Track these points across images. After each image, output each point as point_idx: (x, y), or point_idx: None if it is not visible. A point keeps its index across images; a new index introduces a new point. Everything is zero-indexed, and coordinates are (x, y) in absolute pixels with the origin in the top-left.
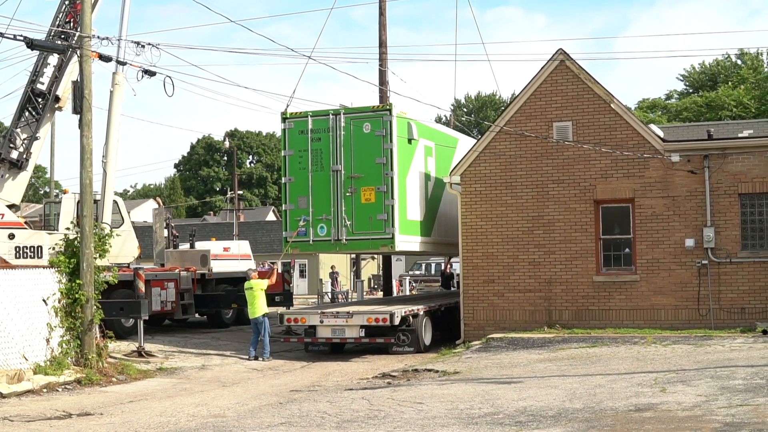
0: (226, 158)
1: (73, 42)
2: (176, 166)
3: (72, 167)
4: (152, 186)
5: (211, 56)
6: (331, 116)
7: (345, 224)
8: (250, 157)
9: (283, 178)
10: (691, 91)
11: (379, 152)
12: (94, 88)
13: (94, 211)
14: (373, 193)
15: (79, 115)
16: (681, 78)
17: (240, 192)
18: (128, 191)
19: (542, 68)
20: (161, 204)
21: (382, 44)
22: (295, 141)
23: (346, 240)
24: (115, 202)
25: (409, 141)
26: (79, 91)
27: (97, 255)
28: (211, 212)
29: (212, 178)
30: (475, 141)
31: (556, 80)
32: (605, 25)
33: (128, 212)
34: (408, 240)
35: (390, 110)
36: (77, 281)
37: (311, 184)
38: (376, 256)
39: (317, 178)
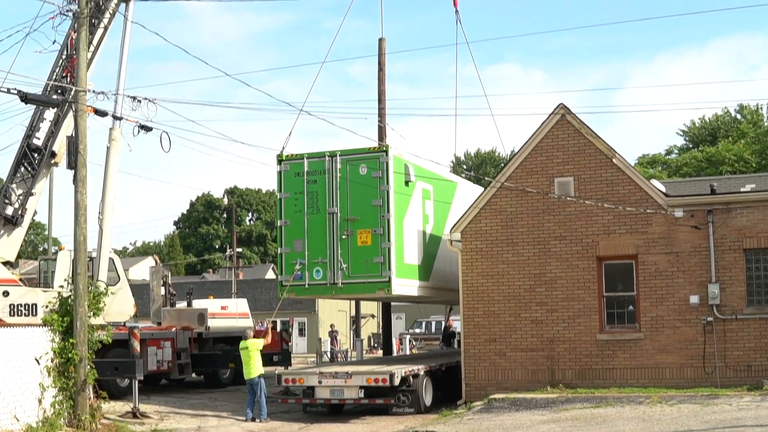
0: (225, 216)
1: (69, 96)
2: (176, 223)
3: (71, 223)
4: (152, 243)
5: (210, 113)
6: (327, 158)
7: (341, 267)
8: (250, 214)
9: (278, 221)
10: (691, 146)
11: (375, 194)
12: (91, 144)
13: (89, 269)
14: (370, 235)
15: (73, 171)
16: (681, 133)
17: (239, 250)
18: (127, 249)
19: (543, 123)
20: (158, 262)
21: (381, 99)
22: (291, 183)
23: (342, 283)
24: (111, 259)
25: (407, 183)
26: (74, 146)
27: (92, 313)
28: (211, 270)
29: (211, 235)
30: (474, 186)
31: (558, 135)
32: (604, 81)
33: (125, 270)
34: (405, 284)
35: (386, 151)
36: (71, 340)
37: (307, 227)
38: (375, 315)
39: (313, 220)
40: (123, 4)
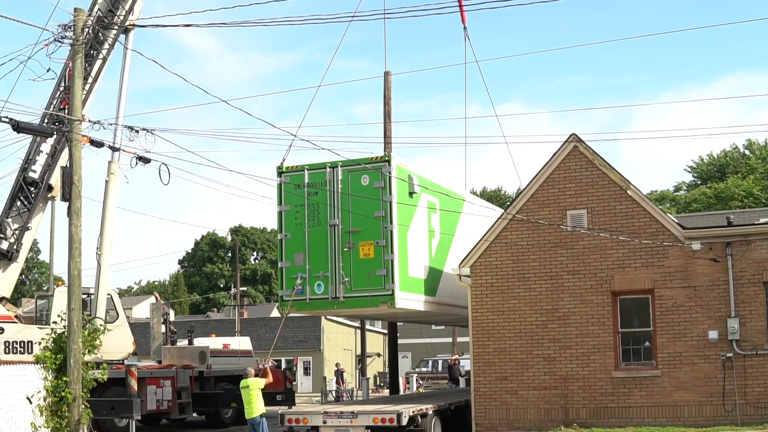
0: (230, 255)
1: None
2: (180, 262)
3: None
4: (156, 282)
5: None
6: (328, 169)
7: (343, 281)
8: (255, 253)
9: (278, 235)
10: (699, 182)
11: (377, 205)
12: (91, 179)
13: (87, 305)
14: (372, 247)
15: (67, 203)
16: (689, 169)
17: (244, 289)
18: (132, 287)
19: (555, 154)
20: (159, 299)
21: (387, 134)
22: (291, 196)
23: (343, 297)
24: (109, 296)
25: (411, 194)
26: (68, 177)
27: (86, 351)
28: (215, 309)
29: (216, 274)
30: (482, 202)
31: (570, 166)
32: (609, 120)
33: (129, 308)
34: (410, 298)
35: (389, 161)
36: (64, 378)
37: (308, 240)
38: (381, 353)
39: (314, 233)
40: (122, 34)
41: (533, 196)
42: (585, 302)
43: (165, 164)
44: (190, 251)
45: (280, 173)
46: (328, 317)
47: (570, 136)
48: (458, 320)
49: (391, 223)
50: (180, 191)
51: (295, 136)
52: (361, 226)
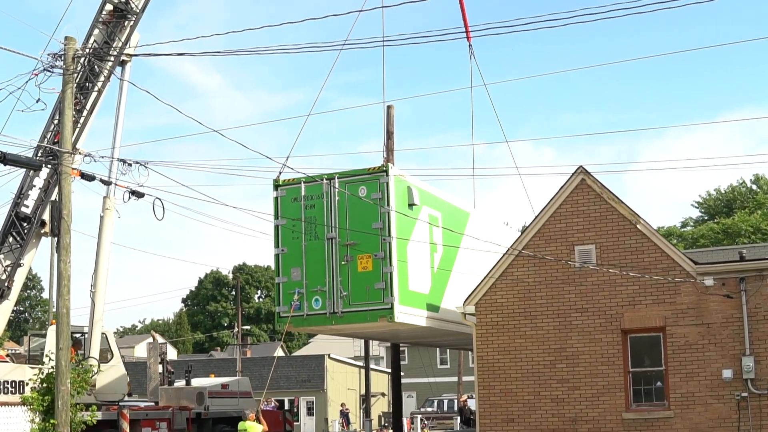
0: (233, 293)
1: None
2: (184, 300)
3: (76, 296)
4: (160, 321)
5: (220, 190)
6: (324, 181)
7: (341, 295)
8: (259, 291)
9: (275, 249)
10: (706, 218)
11: (375, 217)
12: (86, 215)
13: (81, 345)
14: (370, 260)
15: (56, 238)
16: (696, 205)
17: (248, 327)
18: (136, 326)
19: (562, 187)
20: (156, 338)
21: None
22: (288, 209)
23: (342, 312)
24: (104, 334)
25: (410, 206)
26: (58, 211)
27: (75, 392)
28: (218, 348)
29: (219, 313)
30: (489, 216)
31: (577, 200)
32: (614, 157)
33: (131, 346)
34: (410, 312)
35: (386, 172)
36: (51, 421)
37: (305, 255)
38: (386, 393)
39: (311, 247)
40: (119, 66)
41: (540, 231)
42: (594, 341)
43: (159, 199)
44: (193, 289)
45: (276, 187)
46: (332, 356)
47: (577, 168)
48: (465, 342)
49: (389, 234)
50: (184, 229)
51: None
52: (358, 238)
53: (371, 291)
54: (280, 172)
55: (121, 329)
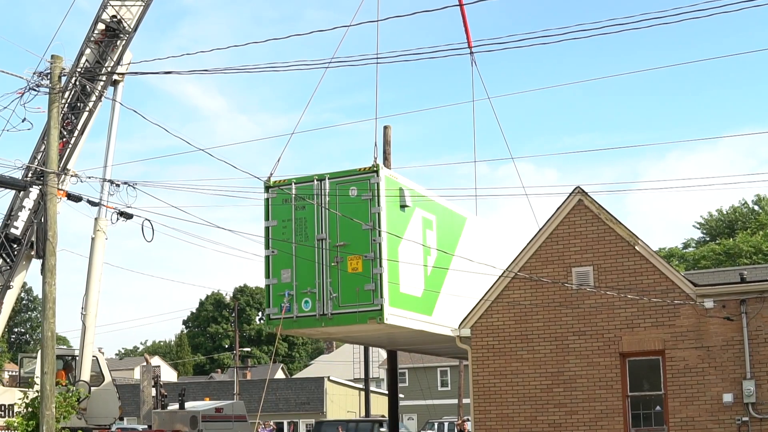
0: (234, 315)
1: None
2: (185, 322)
3: (73, 317)
4: (161, 343)
5: (225, 213)
6: (315, 182)
7: (331, 297)
8: (260, 313)
9: (265, 251)
10: (708, 239)
11: (365, 217)
12: (80, 236)
13: (72, 368)
14: (360, 261)
15: (41, 260)
16: (698, 226)
17: (248, 349)
18: (138, 347)
19: (558, 208)
20: (149, 361)
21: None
22: (279, 211)
23: (331, 314)
24: (95, 358)
25: (402, 207)
26: (43, 232)
27: (61, 416)
28: (219, 370)
29: (220, 335)
30: (485, 221)
31: (574, 221)
32: (616, 178)
33: (131, 368)
34: (401, 315)
35: (377, 171)
36: None
37: (295, 256)
38: (385, 416)
39: (301, 249)
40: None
41: (536, 252)
42: (592, 364)
43: (148, 220)
44: (194, 311)
45: (267, 188)
46: (331, 379)
47: (574, 189)
48: (462, 351)
49: (379, 235)
50: (186, 251)
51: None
52: (348, 239)
53: (361, 292)
54: (271, 174)
55: (122, 351)
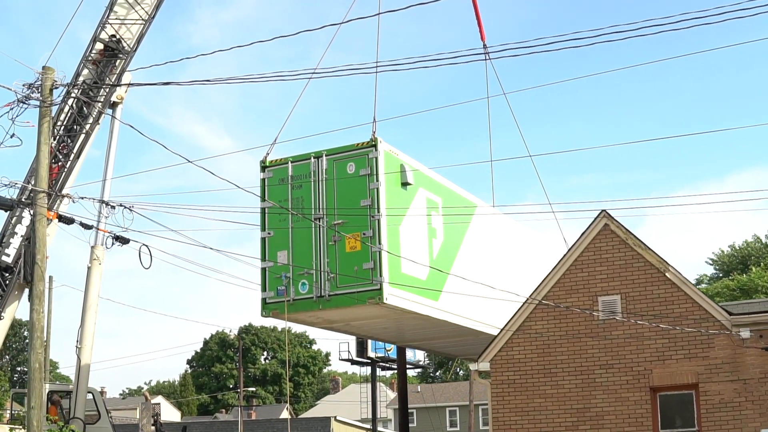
0: (239, 354)
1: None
2: (189, 362)
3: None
4: (165, 382)
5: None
6: (312, 159)
7: (328, 278)
8: (265, 353)
9: (260, 233)
10: (721, 275)
11: (364, 194)
12: (74, 266)
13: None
14: (359, 240)
15: (29, 286)
16: (710, 262)
17: (253, 389)
18: (142, 387)
19: (583, 234)
20: (148, 398)
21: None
22: (275, 191)
23: (329, 296)
24: (90, 394)
25: (404, 185)
26: (31, 256)
27: None
28: (223, 410)
29: (225, 374)
30: (497, 211)
31: (600, 247)
32: (623, 216)
33: (134, 408)
34: (403, 296)
35: (375, 146)
36: None
37: (292, 237)
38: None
39: (298, 229)
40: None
41: (560, 280)
42: (620, 400)
43: (146, 245)
44: (199, 351)
45: (263, 168)
46: (338, 419)
47: (600, 212)
48: (472, 348)
49: (378, 212)
50: (193, 289)
51: (268, 152)
52: (346, 217)
53: (359, 271)
54: (268, 153)
55: (126, 391)
